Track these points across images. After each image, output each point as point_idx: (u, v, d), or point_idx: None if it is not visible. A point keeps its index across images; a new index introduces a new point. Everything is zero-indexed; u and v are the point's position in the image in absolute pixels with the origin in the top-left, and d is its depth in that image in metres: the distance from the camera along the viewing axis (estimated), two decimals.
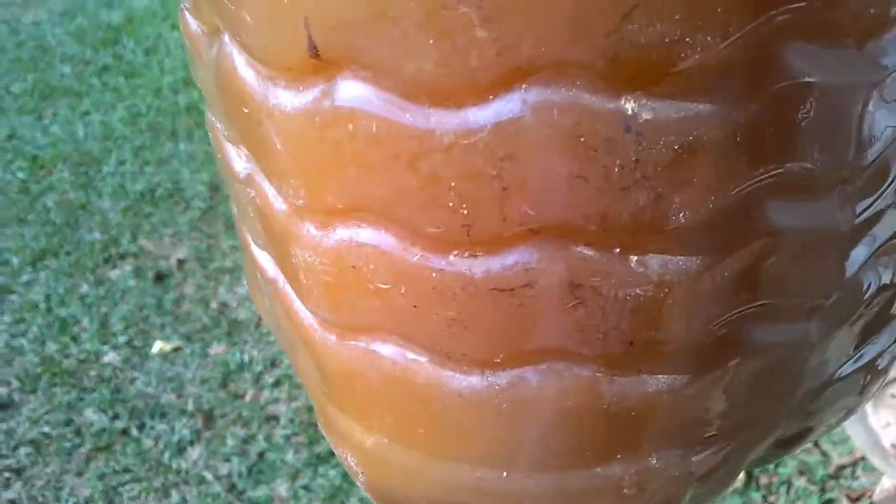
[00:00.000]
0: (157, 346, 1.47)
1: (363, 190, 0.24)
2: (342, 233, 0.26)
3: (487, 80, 0.21)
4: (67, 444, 1.32)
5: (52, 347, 1.49)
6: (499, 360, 0.26)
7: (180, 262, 1.66)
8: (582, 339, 0.25)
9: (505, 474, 0.29)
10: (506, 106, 0.21)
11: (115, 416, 1.36)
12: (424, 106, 0.22)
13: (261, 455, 1.27)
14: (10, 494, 1.24)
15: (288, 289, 0.31)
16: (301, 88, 0.24)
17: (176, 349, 1.47)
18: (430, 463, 0.30)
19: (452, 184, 0.23)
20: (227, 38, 0.26)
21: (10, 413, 1.38)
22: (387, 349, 0.28)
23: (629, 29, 0.20)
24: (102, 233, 1.77)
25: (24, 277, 1.66)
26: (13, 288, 1.63)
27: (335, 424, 0.33)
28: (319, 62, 0.22)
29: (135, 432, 1.33)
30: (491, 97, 0.21)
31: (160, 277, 1.63)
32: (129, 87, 2.34)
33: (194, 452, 1.29)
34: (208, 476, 1.25)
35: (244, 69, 0.25)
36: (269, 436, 1.30)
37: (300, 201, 0.26)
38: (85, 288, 1.62)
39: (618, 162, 0.22)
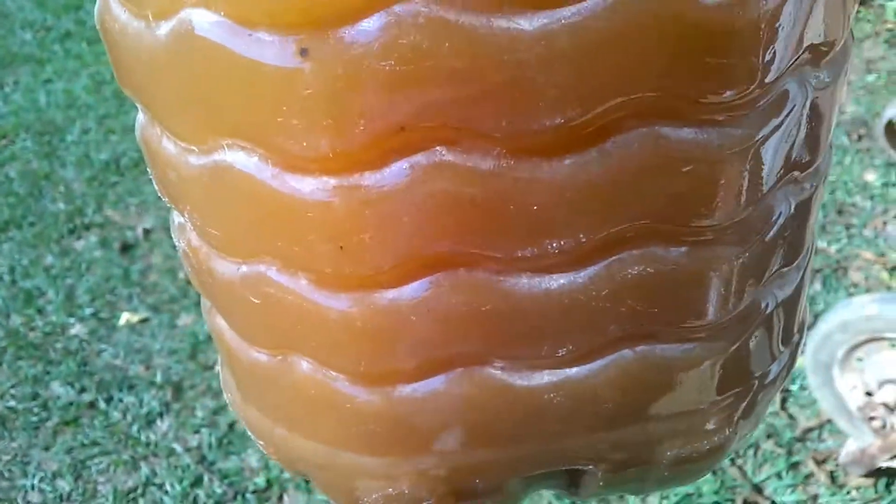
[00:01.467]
0: (125, 318, 1.45)
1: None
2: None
3: None
4: (34, 419, 1.30)
5: (17, 320, 1.47)
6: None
7: (146, 232, 1.64)
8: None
9: None
10: None
11: (83, 389, 1.34)
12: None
13: (231, 426, 1.26)
14: None
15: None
16: None
17: (143, 320, 1.45)
18: None
19: None
20: None
21: None
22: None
23: None
24: (67, 203, 1.74)
25: None
26: None
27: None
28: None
29: (102, 405, 1.31)
30: None
31: (126, 248, 1.61)
32: (93, 54, 2.29)
33: (163, 424, 1.28)
34: (178, 448, 1.24)
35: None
36: None
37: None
38: (50, 259, 1.60)
39: None
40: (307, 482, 1.16)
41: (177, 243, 0.33)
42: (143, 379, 1.35)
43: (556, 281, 0.28)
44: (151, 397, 1.32)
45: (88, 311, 1.48)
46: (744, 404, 0.33)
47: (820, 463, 1.12)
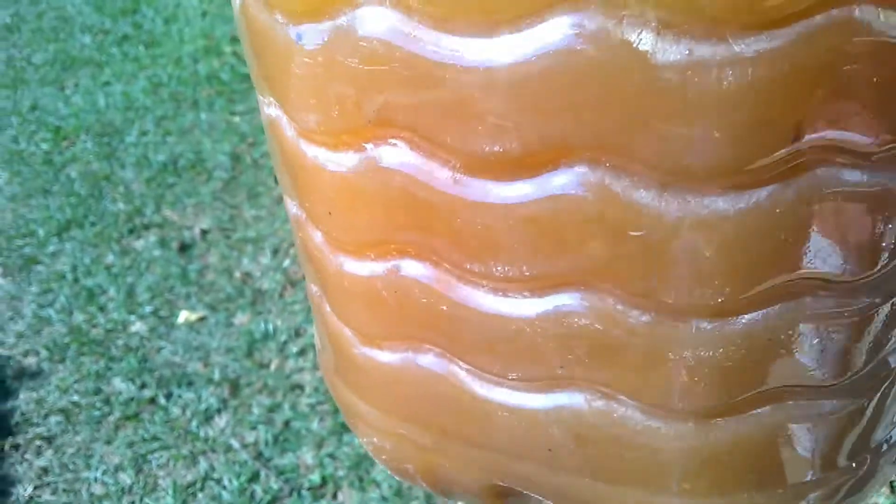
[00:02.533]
0: (183, 316, 1.49)
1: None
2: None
3: None
4: (96, 413, 1.34)
5: (79, 317, 1.51)
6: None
7: (203, 233, 1.67)
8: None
9: None
10: None
11: (143, 385, 1.37)
12: None
13: (286, 423, 1.29)
14: (41, 462, 1.27)
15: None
16: None
17: (201, 318, 1.48)
18: None
19: None
20: None
21: (39, 382, 1.40)
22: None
23: None
24: (126, 203, 1.78)
25: (50, 248, 1.67)
26: (39, 259, 1.65)
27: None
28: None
29: (162, 401, 1.35)
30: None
31: (184, 247, 1.64)
32: (150, 57, 2.34)
33: (221, 421, 1.31)
34: (235, 444, 1.26)
35: None
36: (295, 404, 1.31)
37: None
38: (110, 258, 1.64)
39: None
40: (361, 480, 1.18)
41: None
42: (202, 376, 1.38)
43: (505, 303, 0.29)
44: (209, 394, 1.35)
45: (148, 308, 1.51)
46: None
47: None
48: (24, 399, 1.37)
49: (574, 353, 0.29)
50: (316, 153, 0.30)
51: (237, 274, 1.56)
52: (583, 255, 0.26)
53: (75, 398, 1.36)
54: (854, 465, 0.32)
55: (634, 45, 0.21)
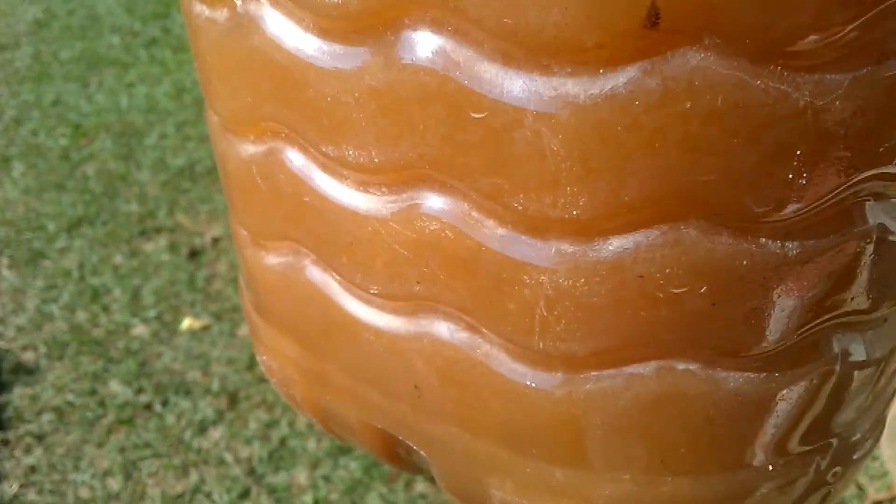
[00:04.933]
0: (186, 323, 1.46)
1: None
2: None
3: None
4: (90, 415, 1.31)
5: (81, 316, 1.49)
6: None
7: (215, 241, 1.65)
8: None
9: None
10: None
11: (140, 390, 1.35)
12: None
13: (282, 441, 1.26)
14: (29, 460, 1.24)
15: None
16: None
17: (205, 327, 1.46)
18: None
19: None
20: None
21: (35, 378, 1.37)
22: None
23: None
24: (140, 205, 1.76)
25: (59, 244, 1.66)
26: (47, 254, 1.63)
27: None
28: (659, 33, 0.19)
29: (158, 407, 1.32)
30: None
31: (194, 254, 1.62)
32: (176, 62, 2.34)
33: (216, 433, 1.28)
34: (228, 458, 1.23)
35: None
36: (292, 422, 1.28)
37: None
38: (119, 259, 1.62)
39: None
40: None
41: None
42: (200, 385, 1.35)
43: (361, 198, 0.28)
44: (206, 404, 1.32)
45: (152, 312, 1.49)
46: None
47: None
48: (18, 394, 1.34)
49: (429, 265, 0.25)
50: (201, 9, 0.29)
51: None
52: (426, 140, 0.23)
53: (70, 397, 1.34)
54: (805, 458, 0.27)
55: None
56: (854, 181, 0.20)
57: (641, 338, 0.23)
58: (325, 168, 0.28)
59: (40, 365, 1.40)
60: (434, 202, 0.24)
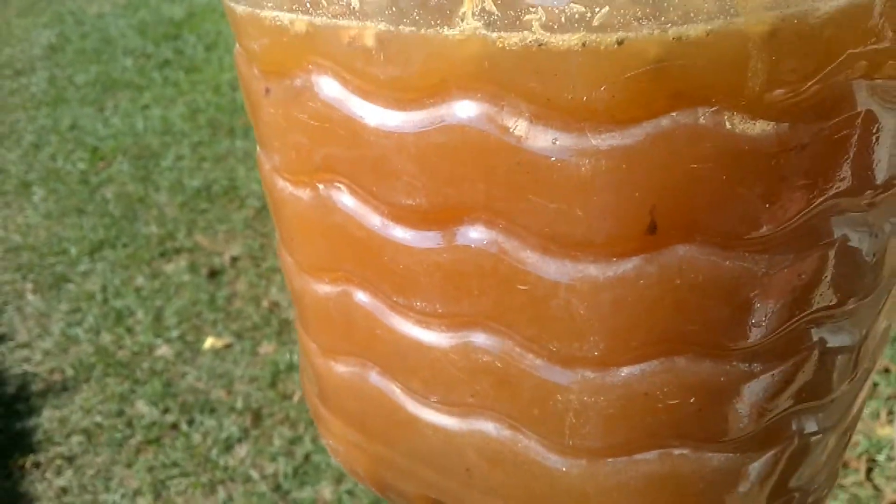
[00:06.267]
0: (209, 342, 1.49)
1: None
2: None
3: None
4: (118, 435, 1.34)
5: (106, 338, 1.52)
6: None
7: (233, 260, 1.68)
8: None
9: None
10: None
11: (166, 410, 1.38)
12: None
13: (307, 457, 1.28)
14: (61, 482, 1.27)
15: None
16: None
17: (227, 346, 1.49)
18: None
19: None
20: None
21: (63, 401, 1.40)
22: None
23: None
24: (159, 226, 1.79)
25: (82, 267, 1.69)
26: (70, 277, 1.66)
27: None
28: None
29: (184, 427, 1.35)
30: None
31: (213, 274, 1.65)
32: (189, 83, 2.37)
33: (242, 450, 1.30)
34: (254, 475, 1.26)
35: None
36: (316, 437, 1.31)
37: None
38: (140, 280, 1.65)
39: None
40: None
41: None
42: (224, 404, 1.38)
43: (425, 334, 0.33)
44: (231, 423, 1.35)
45: (175, 333, 1.52)
46: None
47: None
48: (47, 417, 1.38)
49: (481, 384, 0.33)
50: (283, 186, 0.35)
51: (265, 303, 1.56)
52: (482, 301, 0.31)
53: (98, 419, 1.37)
54: None
55: (511, 130, 0.26)
56: (802, 316, 0.29)
57: (646, 434, 0.31)
58: (393, 309, 0.34)
59: (68, 387, 1.43)
60: (485, 340, 0.32)
